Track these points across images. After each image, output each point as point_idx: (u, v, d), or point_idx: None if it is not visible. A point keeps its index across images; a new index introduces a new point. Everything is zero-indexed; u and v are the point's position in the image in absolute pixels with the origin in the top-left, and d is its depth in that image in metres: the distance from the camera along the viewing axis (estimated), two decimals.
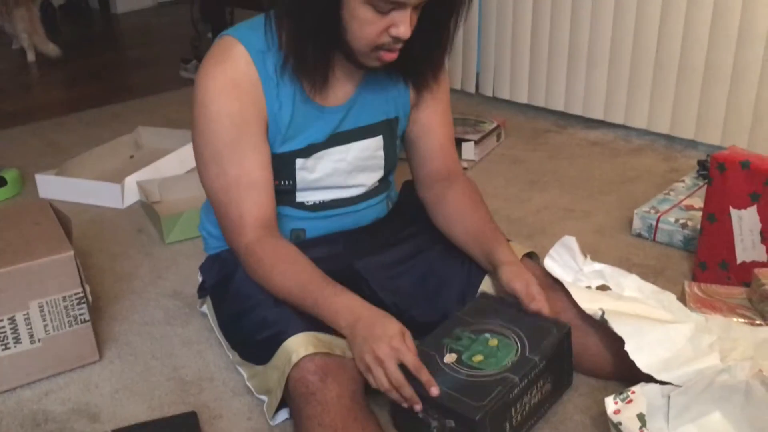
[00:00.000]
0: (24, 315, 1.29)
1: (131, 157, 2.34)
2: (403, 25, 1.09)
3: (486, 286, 1.30)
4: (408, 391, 1.05)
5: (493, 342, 1.14)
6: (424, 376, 1.06)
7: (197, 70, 1.22)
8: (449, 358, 1.12)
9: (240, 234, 1.21)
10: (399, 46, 1.14)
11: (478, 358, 1.11)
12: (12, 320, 1.28)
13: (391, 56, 1.15)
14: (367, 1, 1.07)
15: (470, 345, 1.14)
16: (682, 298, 1.35)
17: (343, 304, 1.12)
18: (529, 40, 2.59)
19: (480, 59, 2.77)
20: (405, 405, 1.07)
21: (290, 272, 1.18)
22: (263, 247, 1.20)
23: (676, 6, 2.19)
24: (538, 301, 1.18)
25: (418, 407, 1.06)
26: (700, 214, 1.63)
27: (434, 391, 1.05)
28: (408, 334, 1.09)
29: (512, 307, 1.20)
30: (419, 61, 1.24)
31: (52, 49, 3.59)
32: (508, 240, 1.32)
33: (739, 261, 1.49)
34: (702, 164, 1.97)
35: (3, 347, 1.29)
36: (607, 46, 2.39)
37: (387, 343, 1.05)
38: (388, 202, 1.46)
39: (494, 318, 1.19)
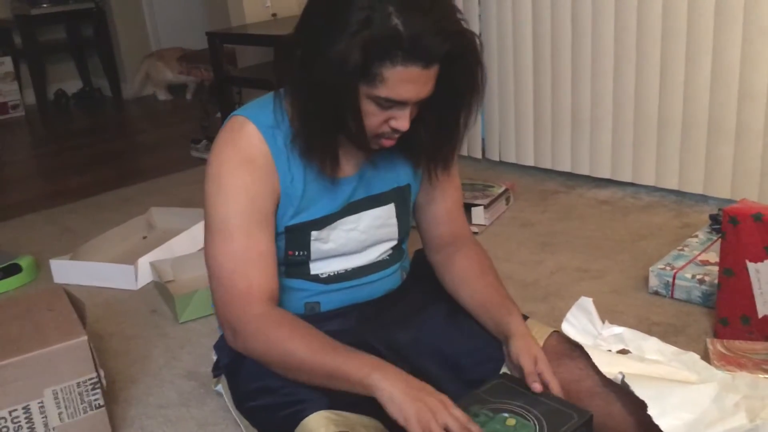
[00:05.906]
0: (38, 403, 1.27)
1: (144, 238, 2.36)
2: (402, 119, 1.14)
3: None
4: None
5: (511, 422, 1.11)
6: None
7: (210, 150, 1.24)
8: None
9: (248, 304, 1.19)
10: (398, 135, 1.18)
11: None
12: (26, 409, 1.27)
13: (389, 143, 1.20)
14: (369, 97, 1.11)
15: (486, 422, 1.11)
16: (705, 356, 1.32)
17: (367, 359, 1.10)
18: (532, 104, 2.63)
19: (484, 125, 2.80)
20: None
21: (307, 339, 1.15)
22: (275, 316, 1.19)
23: (676, 63, 2.22)
24: (545, 380, 1.16)
25: None
26: (716, 269, 1.61)
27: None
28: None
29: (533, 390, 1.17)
30: (429, 156, 1.27)
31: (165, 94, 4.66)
32: (526, 317, 1.31)
33: (760, 315, 1.47)
34: (714, 218, 1.96)
35: None
36: (609, 105, 2.42)
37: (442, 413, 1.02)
38: (402, 273, 1.45)
39: (515, 399, 1.16)
